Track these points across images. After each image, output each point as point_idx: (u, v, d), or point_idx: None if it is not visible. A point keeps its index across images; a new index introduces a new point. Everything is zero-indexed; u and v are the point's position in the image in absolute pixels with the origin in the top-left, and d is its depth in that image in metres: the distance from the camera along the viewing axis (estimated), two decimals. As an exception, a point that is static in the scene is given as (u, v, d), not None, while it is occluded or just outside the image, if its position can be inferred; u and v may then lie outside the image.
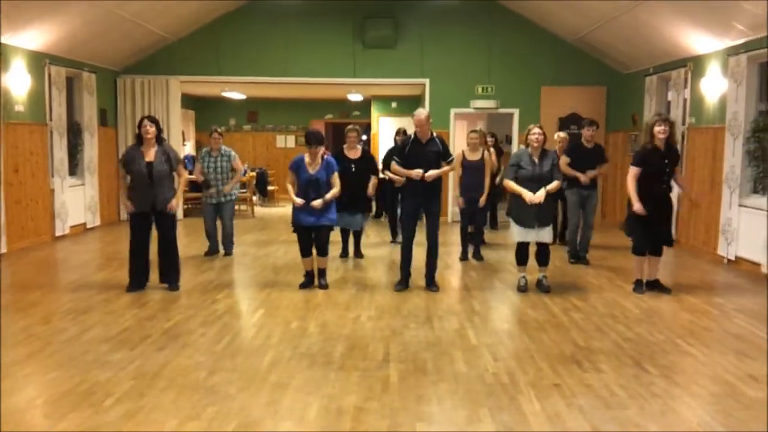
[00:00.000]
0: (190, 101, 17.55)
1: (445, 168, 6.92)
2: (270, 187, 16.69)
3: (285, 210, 14.72)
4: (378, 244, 10.15)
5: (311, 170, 6.90)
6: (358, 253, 9.08)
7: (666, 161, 6.72)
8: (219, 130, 9.16)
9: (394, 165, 6.99)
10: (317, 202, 6.87)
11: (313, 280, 7.21)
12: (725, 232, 8.66)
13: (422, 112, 6.89)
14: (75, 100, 11.26)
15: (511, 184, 6.86)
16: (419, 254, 7.28)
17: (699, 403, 4.19)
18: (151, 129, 6.70)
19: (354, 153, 8.73)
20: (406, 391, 4.30)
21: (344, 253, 9.05)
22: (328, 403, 4.10)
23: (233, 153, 9.12)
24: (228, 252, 9.20)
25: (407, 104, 17.66)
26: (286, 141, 19.24)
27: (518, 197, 6.83)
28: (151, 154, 6.74)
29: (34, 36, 9.29)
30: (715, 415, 4.00)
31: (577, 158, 8.59)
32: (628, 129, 12.03)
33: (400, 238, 10.06)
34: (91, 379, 4.44)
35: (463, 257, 8.89)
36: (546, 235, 6.92)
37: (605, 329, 5.73)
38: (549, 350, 5.16)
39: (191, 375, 4.55)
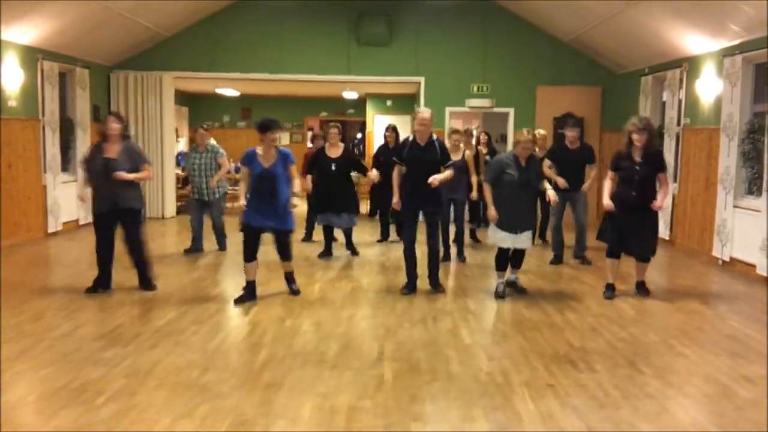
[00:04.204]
0: (183, 97, 17.50)
1: (446, 174, 6.74)
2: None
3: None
4: (371, 243, 10.11)
5: (265, 164, 6.35)
6: (353, 251, 9.00)
7: (637, 168, 6.59)
8: (204, 126, 9.11)
9: (396, 170, 6.88)
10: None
11: (253, 292, 6.57)
12: (720, 234, 8.67)
13: (427, 110, 6.77)
14: (68, 96, 11.17)
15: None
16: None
17: (693, 403, 4.20)
18: (115, 125, 6.53)
19: (335, 152, 8.60)
20: (400, 390, 4.29)
21: (327, 253, 8.85)
22: (321, 402, 4.08)
23: (221, 150, 8.97)
24: (221, 247, 9.17)
25: (402, 102, 17.63)
26: (280, 138, 19.16)
27: (501, 201, 6.64)
28: (113, 152, 6.52)
29: (27, 30, 9.22)
30: (709, 415, 4.01)
31: (560, 161, 8.46)
32: (623, 130, 12.01)
33: (390, 238, 10.10)
34: (83, 377, 4.41)
35: (445, 258, 8.52)
36: (525, 240, 6.76)
37: (600, 329, 5.72)
38: (543, 350, 5.15)
39: (184, 373, 4.52)
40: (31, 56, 9.74)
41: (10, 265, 8.03)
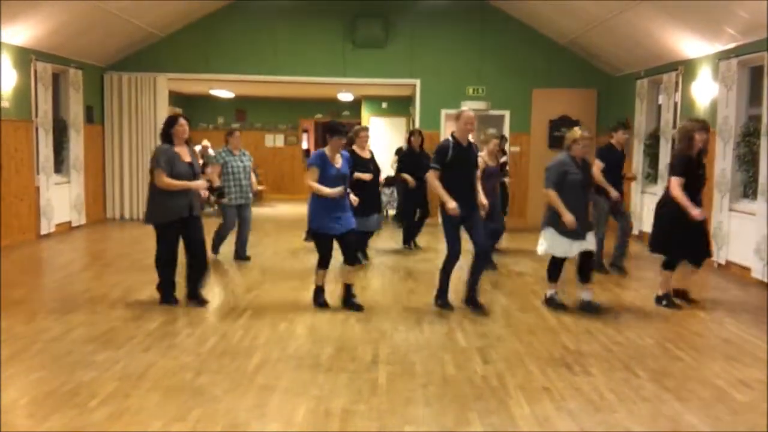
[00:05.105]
0: (177, 99, 17.39)
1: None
2: (259, 187, 16.58)
3: (273, 210, 14.64)
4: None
5: (336, 165, 6.20)
6: (359, 259, 8.70)
7: (701, 172, 6.44)
8: (238, 128, 8.91)
9: (432, 174, 6.37)
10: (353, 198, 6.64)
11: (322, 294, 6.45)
12: (716, 237, 8.65)
13: (471, 110, 6.37)
14: (61, 97, 11.13)
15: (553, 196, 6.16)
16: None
17: (688, 407, 4.18)
18: (188, 129, 6.27)
19: (366, 154, 8.44)
20: (394, 394, 4.26)
21: (365, 257, 8.62)
22: (315, 406, 4.05)
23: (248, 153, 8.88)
24: (246, 257, 8.70)
25: (398, 104, 17.63)
26: (275, 140, 19.13)
27: (566, 205, 6.10)
28: (186, 155, 6.28)
29: (21, 31, 9.17)
30: (705, 419, 3.99)
31: (609, 162, 7.93)
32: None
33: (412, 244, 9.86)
34: (76, 380, 4.37)
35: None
36: (592, 242, 6.28)
37: (595, 333, 5.70)
38: (539, 353, 5.13)
39: (177, 376, 4.49)
40: (24, 57, 9.69)
41: (3, 267, 7.97)
